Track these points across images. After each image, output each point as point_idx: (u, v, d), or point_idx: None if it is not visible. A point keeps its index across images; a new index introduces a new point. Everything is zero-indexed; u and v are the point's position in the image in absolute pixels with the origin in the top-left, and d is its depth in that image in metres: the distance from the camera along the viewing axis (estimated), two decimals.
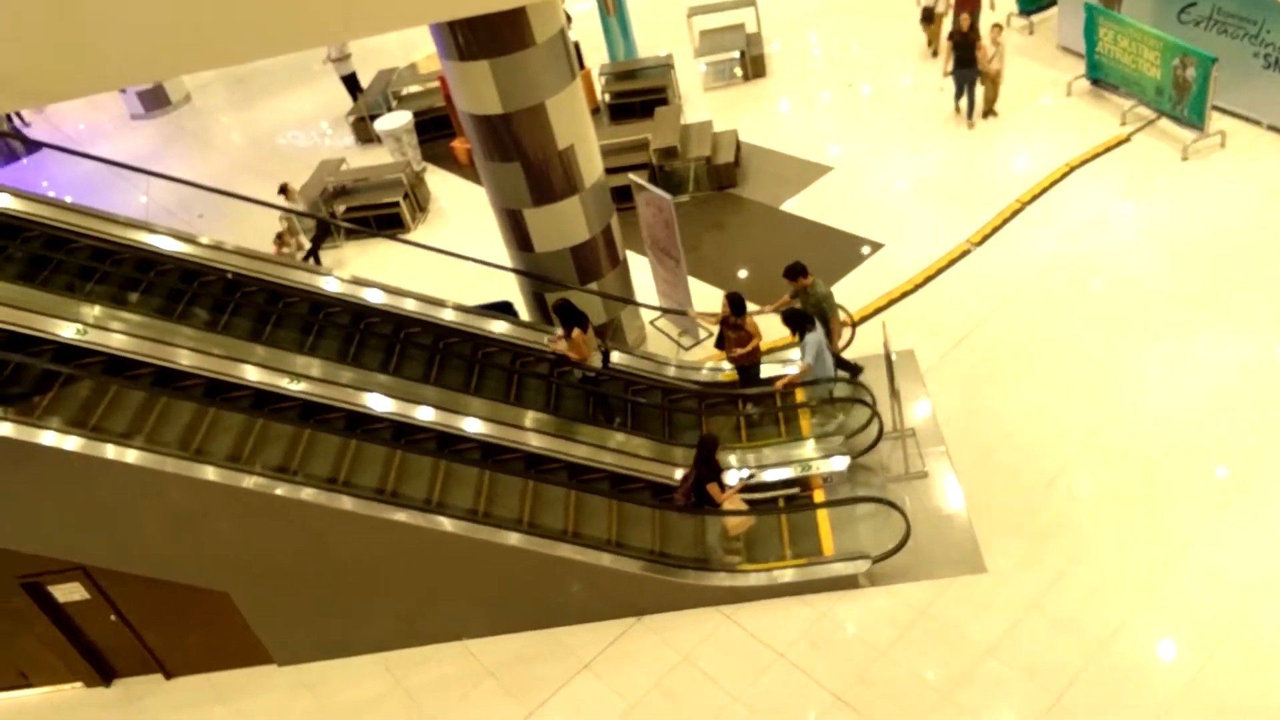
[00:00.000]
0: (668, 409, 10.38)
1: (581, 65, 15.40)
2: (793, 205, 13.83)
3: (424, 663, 9.02)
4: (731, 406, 10.39)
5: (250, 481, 7.99)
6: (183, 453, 8.08)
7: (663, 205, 10.72)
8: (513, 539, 8.45)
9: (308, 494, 8.12)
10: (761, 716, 7.89)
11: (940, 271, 11.93)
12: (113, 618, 9.11)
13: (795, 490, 9.46)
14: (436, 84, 17.57)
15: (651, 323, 11.77)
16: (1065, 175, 13.04)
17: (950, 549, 8.70)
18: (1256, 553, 8.11)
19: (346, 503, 8.20)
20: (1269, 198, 11.84)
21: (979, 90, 14.37)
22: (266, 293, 9.94)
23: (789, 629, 8.42)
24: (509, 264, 10.84)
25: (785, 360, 10.59)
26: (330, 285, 10.25)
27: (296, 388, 8.93)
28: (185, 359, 8.77)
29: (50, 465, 7.66)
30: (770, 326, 10.43)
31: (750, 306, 9.93)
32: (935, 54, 16.26)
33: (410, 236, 14.52)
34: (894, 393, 9.42)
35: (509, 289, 11.33)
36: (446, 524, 8.37)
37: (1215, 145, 12.82)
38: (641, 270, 11.83)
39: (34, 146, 20.72)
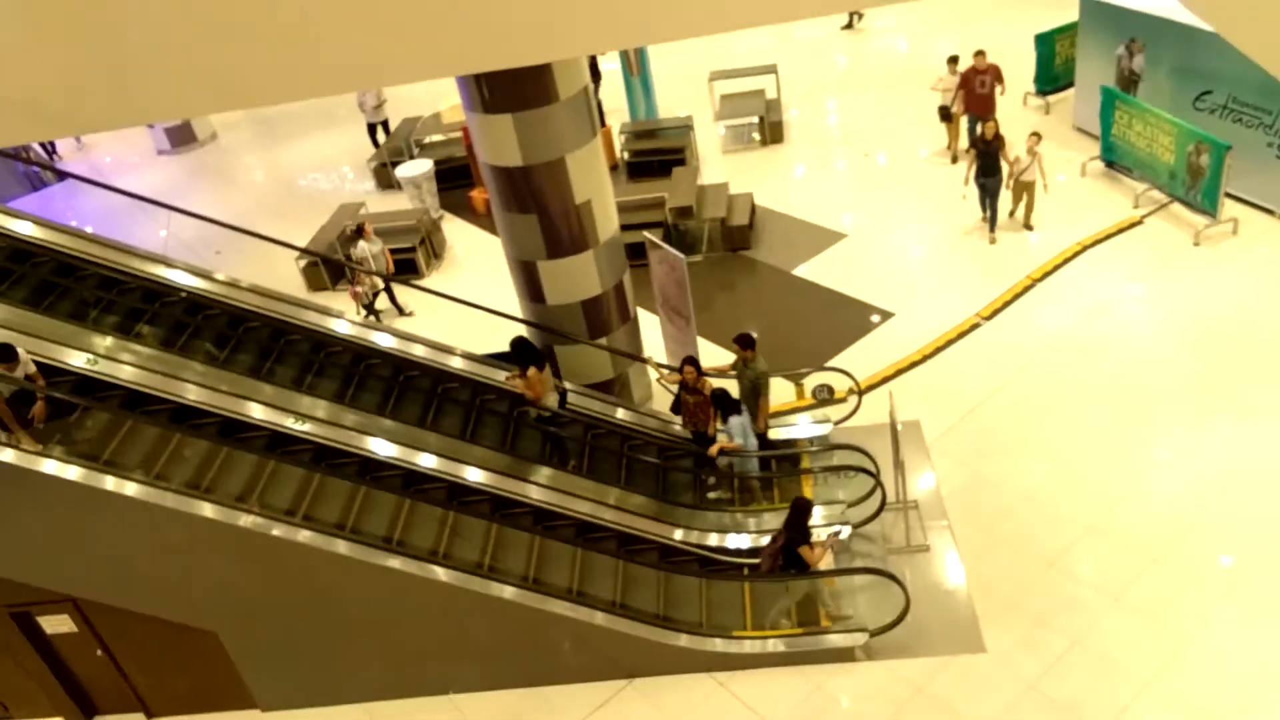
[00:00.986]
0: (664, 467, 10.32)
1: (603, 123, 15.61)
2: (805, 270, 13.90)
3: (410, 716, 8.86)
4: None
5: (246, 521, 7.95)
6: (182, 488, 8.06)
7: (675, 264, 10.79)
8: (507, 592, 8.37)
9: (304, 536, 8.07)
10: None
11: (949, 343, 11.93)
12: (99, 653, 9.00)
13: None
14: (459, 134, 17.83)
15: (658, 380, 11.78)
16: (1077, 255, 13.09)
17: (950, 626, 8.58)
18: (1262, 641, 7.98)
19: (342, 547, 8.15)
20: (1279, 286, 11.87)
21: (1012, 199, 13.57)
22: (270, 329, 9.98)
23: (783, 700, 8.27)
24: (520, 315, 10.87)
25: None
26: (341, 328, 10.29)
27: (302, 428, 8.93)
28: (193, 394, 8.80)
29: (49, 493, 7.64)
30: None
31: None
32: (954, 159, 15.36)
33: (423, 283, 14.59)
34: (898, 463, 9.36)
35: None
36: (441, 573, 8.29)
37: (1227, 232, 12.88)
38: (651, 327, 11.87)
39: (61, 176, 21.03)
